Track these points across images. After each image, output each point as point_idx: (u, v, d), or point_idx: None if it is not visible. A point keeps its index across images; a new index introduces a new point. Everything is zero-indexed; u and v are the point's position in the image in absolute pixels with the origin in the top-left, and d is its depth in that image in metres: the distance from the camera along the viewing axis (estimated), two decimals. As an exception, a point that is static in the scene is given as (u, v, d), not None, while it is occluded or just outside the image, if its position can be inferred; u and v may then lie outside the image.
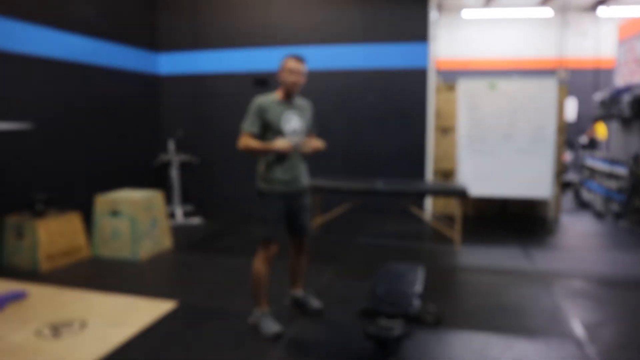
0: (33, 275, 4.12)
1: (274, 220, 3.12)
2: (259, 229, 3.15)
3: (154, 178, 6.95)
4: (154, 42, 7.08)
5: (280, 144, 2.92)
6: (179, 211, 6.25)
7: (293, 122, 3.09)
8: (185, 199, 6.81)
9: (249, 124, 3.03)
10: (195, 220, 6.13)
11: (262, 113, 3.02)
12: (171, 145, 6.42)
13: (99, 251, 4.69)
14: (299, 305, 3.42)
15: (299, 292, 3.45)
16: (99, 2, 5.97)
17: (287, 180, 3.08)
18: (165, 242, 5.01)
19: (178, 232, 5.65)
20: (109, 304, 3.50)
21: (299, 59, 3.09)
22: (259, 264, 3.14)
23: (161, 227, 4.93)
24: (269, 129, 3.03)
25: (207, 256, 4.77)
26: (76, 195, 5.37)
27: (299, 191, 3.17)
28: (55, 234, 4.34)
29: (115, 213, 4.63)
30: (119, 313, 3.34)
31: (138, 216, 4.59)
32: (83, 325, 3.12)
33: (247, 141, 3.01)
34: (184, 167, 6.59)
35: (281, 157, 3.03)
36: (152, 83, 7.08)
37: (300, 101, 3.24)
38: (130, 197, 4.63)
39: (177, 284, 4.11)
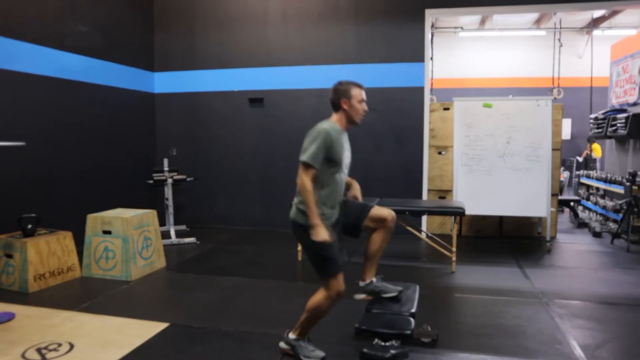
0: (22, 295, 4.05)
1: (335, 255, 2.78)
2: (321, 268, 2.79)
3: (148, 197, 6.91)
4: (150, 62, 7.11)
5: (322, 235, 2.63)
6: (172, 230, 6.18)
7: (347, 155, 2.90)
8: (179, 218, 6.76)
9: (315, 157, 2.69)
10: (189, 240, 6.06)
11: (330, 144, 2.74)
12: (165, 163, 6.39)
13: (90, 271, 4.62)
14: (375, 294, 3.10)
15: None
16: (96, 22, 5.99)
17: (333, 206, 2.89)
18: (158, 261, 4.94)
19: (171, 251, 5.59)
20: (98, 326, 3.42)
21: (362, 86, 2.91)
22: (329, 303, 2.79)
23: (154, 246, 4.87)
24: (330, 161, 2.76)
25: (201, 276, 4.70)
26: (68, 214, 5.31)
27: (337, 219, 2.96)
28: (45, 253, 4.28)
29: (107, 232, 4.57)
30: (108, 335, 3.27)
31: (130, 235, 4.54)
32: (71, 347, 3.04)
33: (308, 182, 2.67)
34: (177, 185, 6.55)
35: (329, 195, 2.82)
36: (147, 102, 7.08)
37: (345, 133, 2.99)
38: (122, 216, 4.58)
39: (169, 305, 4.03)
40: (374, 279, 3.17)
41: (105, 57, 6.13)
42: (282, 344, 2.97)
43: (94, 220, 4.62)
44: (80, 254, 4.66)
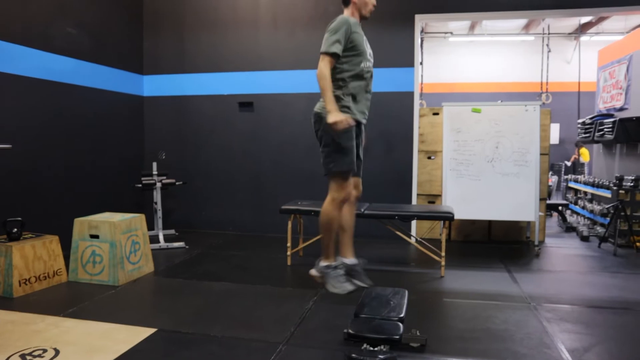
0: (6, 300, 3.99)
1: (352, 150, 2.78)
2: (335, 160, 2.77)
3: (136, 200, 6.86)
4: (139, 65, 7.07)
5: (337, 117, 2.63)
6: (161, 235, 6.14)
7: (368, 46, 2.93)
8: (167, 222, 6.72)
9: (334, 44, 2.72)
10: (178, 244, 6.02)
11: (350, 32, 2.78)
12: (154, 167, 6.35)
13: (76, 276, 4.57)
14: (350, 275, 3.05)
15: (350, 259, 2.99)
16: (84, 24, 5.95)
17: (361, 111, 2.90)
18: (146, 266, 4.91)
19: (160, 256, 5.55)
20: (85, 331, 3.38)
21: None
22: (335, 207, 2.74)
23: (142, 251, 4.83)
24: (353, 50, 2.79)
25: (189, 281, 4.67)
26: (55, 218, 5.26)
27: (363, 125, 2.96)
28: (31, 258, 4.22)
29: (94, 236, 4.53)
30: (94, 340, 3.22)
31: (118, 240, 4.50)
32: (56, 353, 3.00)
33: (326, 70, 2.71)
34: (166, 189, 6.51)
35: (362, 92, 2.84)
36: (136, 105, 7.04)
37: None
38: (110, 220, 4.54)
39: (157, 310, 4.00)
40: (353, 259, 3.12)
41: (93, 59, 6.09)
42: (312, 271, 2.92)
43: (81, 224, 4.58)
44: (67, 258, 4.61)
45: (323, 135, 2.84)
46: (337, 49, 2.72)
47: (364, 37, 2.97)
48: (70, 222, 4.64)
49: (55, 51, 5.51)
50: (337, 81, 2.84)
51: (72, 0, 5.77)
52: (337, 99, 2.83)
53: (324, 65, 2.72)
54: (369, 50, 2.96)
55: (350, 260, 3.12)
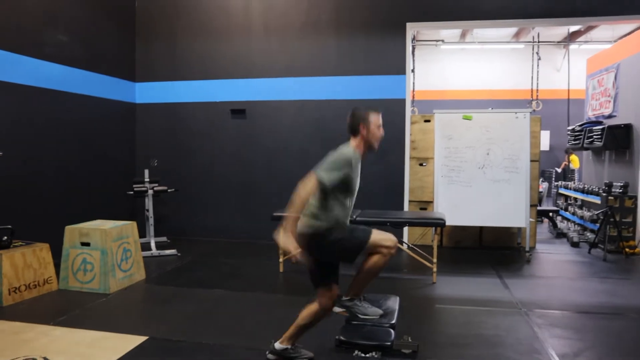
0: (-4, 309, 3.96)
1: (334, 269, 2.93)
2: (317, 278, 2.90)
3: (128, 208, 6.84)
4: (131, 72, 7.07)
5: (289, 248, 2.65)
6: (152, 242, 6.12)
7: (358, 181, 2.92)
8: (159, 229, 6.69)
9: (328, 174, 2.68)
10: (169, 251, 6.00)
11: (349, 169, 2.75)
12: (146, 174, 6.33)
13: (67, 284, 4.54)
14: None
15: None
16: (76, 31, 5.95)
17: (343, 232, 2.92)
18: (138, 274, 4.88)
19: (151, 263, 5.52)
20: (74, 340, 3.36)
21: (379, 112, 2.95)
22: (316, 312, 2.89)
23: (133, 258, 4.81)
24: (345, 187, 2.79)
25: (181, 288, 4.65)
26: (46, 225, 5.23)
27: None
28: (21, 266, 4.19)
29: (85, 244, 4.50)
30: (84, 349, 3.20)
31: (109, 247, 4.48)
32: (45, 362, 2.98)
33: (306, 190, 2.65)
34: (158, 197, 6.50)
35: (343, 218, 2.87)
36: (128, 112, 7.04)
37: None
38: (101, 228, 4.52)
39: (148, 318, 3.97)
40: (356, 299, 3.17)
41: (85, 67, 6.09)
42: (270, 356, 2.98)
43: (72, 232, 4.55)
44: (57, 266, 4.58)
45: (317, 253, 2.86)
46: (329, 182, 2.68)
47: (359, 169, 2.95)
48: (61, 229, 4.61)
49: (47, 59, 5.51)
50: (323, 209, 2.81)
51: (64, 8, 5.78)
52: (318, 215, 2.80)
53: (311, 187, 2.67)
54: (357, 186, 2.95)
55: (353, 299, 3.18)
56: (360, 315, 3.06)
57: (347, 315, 3.14)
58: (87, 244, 4.50)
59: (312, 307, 2.94)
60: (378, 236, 2.82)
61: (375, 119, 2.91)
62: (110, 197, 6.53)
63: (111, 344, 3.26)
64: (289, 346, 2.98)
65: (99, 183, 6.35)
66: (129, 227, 4.82)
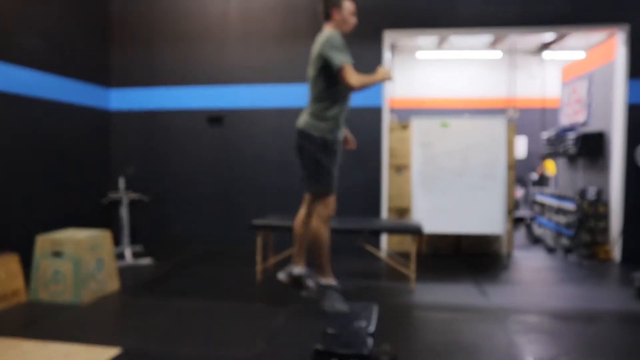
0: (-38, 323, 3.82)
1: (334, 170, 2.91)
2: (318, 180, 2.88)
3: (102, 217, 6.70)
4: (105, 78, 6.95)
5: (385, 72, 2.79)
6: (127, 251, 6.00)
7: None
8: (135, 239, 6.57)
9: (348, 56, 2.82)
10: (145, 261, 5.89)
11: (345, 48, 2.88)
12: (121, 182, 6.22)
13: (37, 295, 4.41)
14: (297, 285, 3.09)
15: (301, 268, 3.05)
16: (48, 35, 5.83)
17: (341, 130, 2.94)
18: (112, 284, 4.77)
19: (126, 273, 5.40)
20: (44, 354, 3.25)
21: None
22: (323, 224, 2.83)
23: (108, 268, 4.70)
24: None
25: (157, 298, 4.56)
26: (15, 235, 5.08)
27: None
28: (-11, 277, 4.06)
29: (57, 254, 4.38)
30: (54, 363, 3.11)
31: (82, 257, 4.36)
32: (13, 377, 2.88)
33: (358, 76, 2.80)
34: (134, 205, 6.38)
35: (343, 110, 2.89)
36: (102, 119, 6.91)
37: None
38: (74, 237, 4.41)
39: (123, 329, 3.88)
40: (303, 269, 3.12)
41: (56, 71, 5.94)
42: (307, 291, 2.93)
43: (44, 242, 4.43)
44: (27, 277, 4.44)
45: (307, 153, 2.87)
46: (350, 57, 2.84)
47: None
48: (31, 239, 4.48)
49: (16, 62, 5.35)
50: (325, 100, 2.86)
51: (31, 9, 5.61)
52: (322, 117, 2.86)
53: (351, 74, 2.79)
54: None
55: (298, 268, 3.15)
56: (327, 307, 2.98)
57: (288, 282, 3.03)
58: (59, 254, 4.38)
59: (314, 224, 2.88)
60: (332, 203, 2.83)
61: (351, 7, 3.05)
62: (84, 205, 6.40)
63: (83, 357, 3.17)
64: (331, 283, 2.91)
65: (72, 191, 6.21)
66: (103, 236, 4.71)
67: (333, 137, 2.89)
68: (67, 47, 6.18)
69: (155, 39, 6.95)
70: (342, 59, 2.78)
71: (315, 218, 2.84)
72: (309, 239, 3.06)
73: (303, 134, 2.91)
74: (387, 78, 2.80)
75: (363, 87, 2.79)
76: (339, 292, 2.90)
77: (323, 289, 2.85)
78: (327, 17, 3.00)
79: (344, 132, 3.07)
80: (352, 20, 3.00)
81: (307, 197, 3.06)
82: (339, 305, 2.82)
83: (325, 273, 2.90)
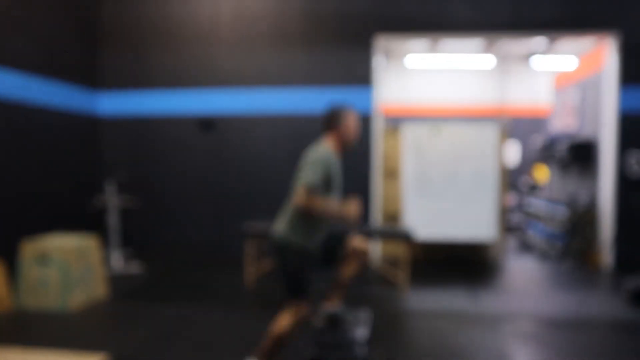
0: (-56, 330, 3.74)
1: (309, 282, 2.86)
2: (295, 288, 2.84)
3: (90, 222, 6.60)
4: (93, 80, 6.85)
5: (353, 210, 2.67)
6: (116, 258, 5.91)
7: (339, 179, 2.93)
8: (124, 244, 6.48)
9: (318, 178, 2.67)
10: (134, 267, 5.81)
11: (329, 168, 2.76)
12: (109, 187, 6.12)
13: (23, 302, 4.32)
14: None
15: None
16: (33, 35, 5.74)
17: (317, 241, 2.87)
18: (100, 290, 4.69)
19: (115, 279, 5.32)
20: (28, 361, 3.17)
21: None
22: (288, 323, 2.79)
23: (96, 274, 4.62)
24: (326, 186, 2.79)
25: (145, 305, 4.49)
26: (0, 241, 4.98)
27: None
28: (-27, 284, 3.97)
29: (43, 260, 4.30)
30: (38, 371, 3.03)
31: (69, 263, 4.28)
32: (-6, 386, 2.80)
33: (320, 201, 2.65)
34: (123, 211, 6.30)
35: (323, 223, 2.84)
36: (90, 122, 6.81)
37: None
38: (61, 243, 4.34)
39: (110, 336, 3.81)
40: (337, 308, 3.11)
41: (43, 73, 5.81)
42: None
43: (29, 248, 4.34)
44: (12, 283, 4.36)
45: (286, 265, 2.84)
46: (319, 183, 2.69)
47: (338, 170, 2.95)
48: (17, 245, 4.40)
49: (1, 64, 5.26)
50: (297, 215, 2.80)
51: (19, 9, 5.52)
52: (295, 228, 2.80)
53: (311, 197, 2.66)
54: (338, 184, 2.95)
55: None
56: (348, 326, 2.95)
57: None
58: (46, 260, 4.30)
59: (283, 321, 2.84)
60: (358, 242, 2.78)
61: (355, 119, 2.96)
62: (72, 211, 6.30)
63: (67, 365, 3.09)
64: None
65: (60, 196, 6.11)
66: (91, 242, 4.64)
67: (313, 247, 2.84)
68: (54, 47, 6.07)
69: (145, 42, 6.88)
70: (308, 179, 2.65)
71: (285, 318, 2.84)
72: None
73: (279, 245, 2.85)
74: (350, 217, 2.69)
75: (314, 211, 2.66)
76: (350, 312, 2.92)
77: (341, 315, 2.88)
78: (330, 128, 2.95)
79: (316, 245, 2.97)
80: (356, 134, 2.95)
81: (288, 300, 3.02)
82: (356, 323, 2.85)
83: (261, 353, 2.89)
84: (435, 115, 12.64)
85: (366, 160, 6.49)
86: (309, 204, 2.64)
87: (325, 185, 2.79)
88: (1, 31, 5.27)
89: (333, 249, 3.01)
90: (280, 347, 2.88)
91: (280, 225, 2.85)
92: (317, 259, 2.86)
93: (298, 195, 2.65)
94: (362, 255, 3.01)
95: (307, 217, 2.77)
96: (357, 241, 2.96)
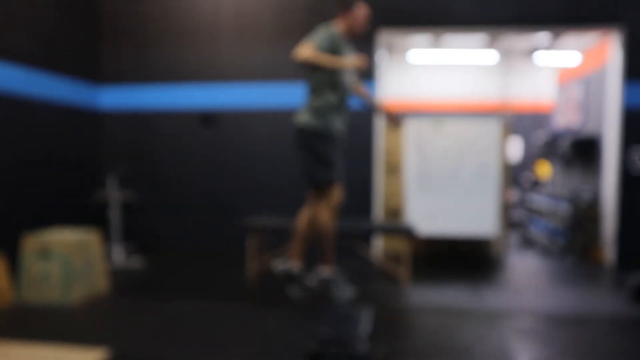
0: (-55, 324, 3.74)
1: (336, 161, 2.87)
2: (320, 171, 2.83)
3: (92, 216, 6.60)
4: (95, 74, 6.84)
5: (354, 61, 2.68)
6: (118, 252, 5.92)
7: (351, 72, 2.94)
8: (125, 239, 6.48)
9: (325, 45, 2.78)
10: (136, 262, 5.81)
11: (336, 44, 2.82)
12: (111, 182, 6.12)
13: (24, 296, 4.32)
14: (327, 290, 3.03)
15: (328, 272, 2.97)
16: (32, 27, 5.71)
17: (340, 122, 2.90)
18: (101, 285, 4.69)
19: (116, 274, 5.33)
20: (29, 356, 3.17)
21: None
22: (327, 214, 2.76)
23: (97, 268, 4.62)
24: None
25: (147, 300, 4.49)
26: (1, 235, 4.98)
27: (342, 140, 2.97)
28: (-26, 278, 3.97)
29: (45, 254, 4.30)
30: (39, 365, 3.03)
31: (71, 257, 4.28)
32: (-4, 380, 2.80)
33: (314, 53, 2.71)
34: (124, 206, 6.29)
35: (341, 103, 2.85)
36: (91, 116, 6.80)
37: None
38: (63, 237, 4.33)
39: (112, 331, 3.80)
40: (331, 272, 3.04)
41: (43, 67, 5.80)
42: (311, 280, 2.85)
43: (31, 242, 4.34)
44: (13, 278, 4.36)
45: (308, 148, 2.84)
46: (324, 47, 2.72)
47: (349, 53, 2.98)
48: (18, 239, 4.39)
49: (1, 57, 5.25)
50: (315, 90, 2.85)
51: (19, 2, 5.51)
52: (314, 108, 2.85)
53: (303, 48, 2.75)
54: (348, 73, 2.95)
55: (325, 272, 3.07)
56: (336, 297, 2.90)
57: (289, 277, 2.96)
58: (47, 254, 4.30)
59: (321, 217, 2.81)
60: (336, 194, 2.76)
61: (363, 11, 3.11)
62: (74, 205, 6.30)
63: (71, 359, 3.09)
64: (327, 270, 2.82)
65: (62, 191, 6.11)
66: (92, 236, 4.64)
67: (325, 127, 2.84)
68: (55, 41, 6.05)
69: (146, 35, 6.85)
70: (315, 40, 2.75)
71: (321, 211, 2.79)
72: (313, 236, 3.01)
73: (298, 126, 2.90)
74: (354, 65, 2.69)
75: (310, 62, 2.67)
76: (342, 280, 2.84)
77: (326, 282, 2.80)
78: (343, 10, 3.01)
79: (343, 127, 3.00)
80: (362, 24, 3.01)
81: (310, 195, 2.99)
82: (347, 293, 2.78)
83: (329, 263, 2.84)
84: (438, 110, 12.60)
85: (368, 155, 6.47)
86: (312, 56, 2.71)
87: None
88: (4, 26, 5.25)
89: None
90: (332, 241, 2.84)
91: (301, 114, 2.88)
92: (333, 143, 2.83)
93: (301, 49, 2.69)
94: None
95: (325, 100, 2.79)
96: (337, 193, 2.89)
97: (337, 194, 2.80)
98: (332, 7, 3.11)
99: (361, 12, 3.08)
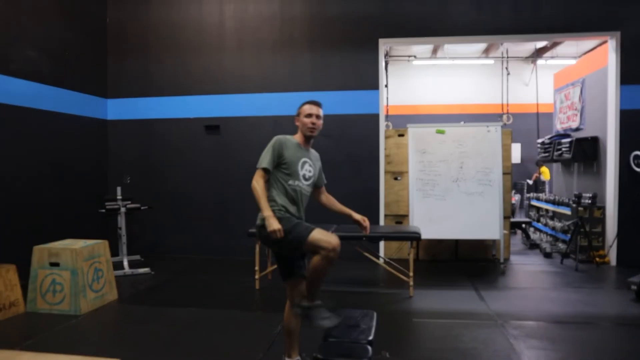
0: (-41, 335, 3.80)
1: (286, 260, 2.97)
2: (279, 267, 2.96)
3: (100, 226, 6.68)
4: (102, 88, 6.96)
5: (274, 225, 2.76)
6: (125, 261, 5.98)
7: (307, 168, 3.02)
8: (132, 248, 6.55)
9: (264, 160, 2.93)
10: (143, 270, 5.87)
11: (281, 149, 2.93)
12: (118, 192, 6.20)
13: (35, 306, 4.39)
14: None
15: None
16: (45, 47, 5.84)
17: (297, 215, 2.99)
18: (110, 293, 4.75)
19: (124, 283, 5.39)
20: (43, 364, 3.23)
21: (315, 102, 3.08)
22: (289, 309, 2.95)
23: (105, 278, 4.69)
24: (284, 167, 2.94)
25: (155, 308, 4.54)
26: (12, 246, 5.06)
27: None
28: (-13, 289, 4.04)
29: (54, 264, 4.37)
30: (53, 374, 3.08)
31: (80, 267, 4.35)
32: (12, 389, 2.86)
33: (259, 182, 2.88)
34: (131, 214, 6.36)
35: (289, 204, 2.94)
36: (99, 129, 6.91)
37: (314, 152, 3.17)
38: (71, 247, 4.40)
39: (120, 339, 3.86)
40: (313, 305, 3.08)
41: (54, 83, 5.96)
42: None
43: (41, 252, 4.41)
44: (24, 288, 4.42)
45: (266, 245, 3.00)
46: (266, 164, 2.91)
47: (304, 158, 3.00)
48: (28, 250, 4.46)
49: (14, 75, 5.37)
50: (272, 190, 2.96)
51: (32, 23, 5.66)
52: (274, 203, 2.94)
53: (256, 178, 2.92)
54: (307, 173, 2.99)
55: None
56: (316, 322, 2.93)
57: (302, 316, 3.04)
58: (57, 264, 4.37)
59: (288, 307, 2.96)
60: (318, 235, 2.78)
61: (305, 108, 3.08)
62: (82, 215, 6.38)
63: (81, 368, 3.15)
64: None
65: (70, 201, 6.19)
66: (101, 245, 4.70)
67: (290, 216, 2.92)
68: (65, 58, 6.19)
69: (151, 50, 6.96)
70: (260, 163, 2.93)
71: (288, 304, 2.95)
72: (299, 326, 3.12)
73: (258, 230, 2.98)
74: (274, 230, 2.75)
75: (253, 192, 2.87)
76: (326, 308, 2.89)
77: (308, 310, 2.87)
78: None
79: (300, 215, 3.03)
80: (308, 122, 3.03)
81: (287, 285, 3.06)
82: (328, 321, 2.83)
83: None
84: (438, 113, 12.67)
85: (375, 161, 6.54)
86: (254, 185, 2.87)
87: (281, 165, 2.95)
88: (21, 49, 5.37)
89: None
90: (295, 336, 2.97)
91: (259, 216, 2.96)
92: (293, 244, 2.84)
93: (254, 179, 2.91)
94: (321, 250, 2.89)
95: (271, 193, 2.91)
96: (316, 235, 2.88)
97: (295, 291, 2.90)
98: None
99: (303, 112, 3.05)
